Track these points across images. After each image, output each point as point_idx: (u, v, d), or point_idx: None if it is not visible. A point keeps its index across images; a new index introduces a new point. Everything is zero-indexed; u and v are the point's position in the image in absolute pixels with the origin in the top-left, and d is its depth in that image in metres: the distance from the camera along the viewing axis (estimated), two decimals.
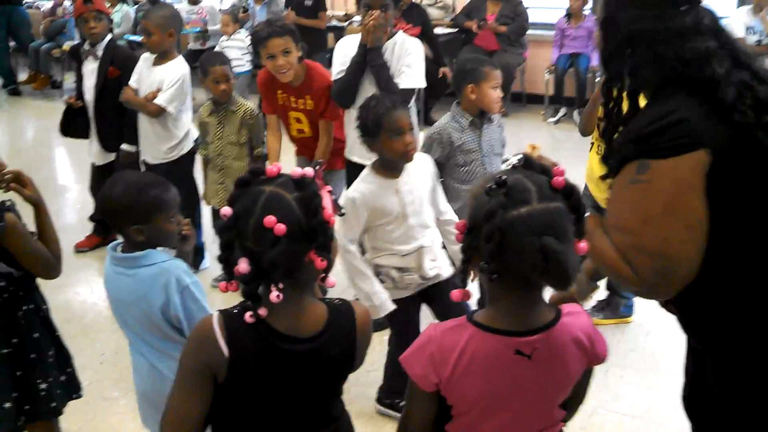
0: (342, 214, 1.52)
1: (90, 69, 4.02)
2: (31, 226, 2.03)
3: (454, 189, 2.96)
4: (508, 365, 1.34)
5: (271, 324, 1.37)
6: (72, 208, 5.02)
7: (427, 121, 5.75)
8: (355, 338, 1.44)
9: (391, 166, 2.48)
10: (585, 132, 3.18)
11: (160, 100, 3.63)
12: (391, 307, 2.50)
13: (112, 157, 4.12)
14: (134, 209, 1.86)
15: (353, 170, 3.37)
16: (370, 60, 3.13)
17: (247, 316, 1.34)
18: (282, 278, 1.32)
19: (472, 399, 1.38)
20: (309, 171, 1.37)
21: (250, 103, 3.65)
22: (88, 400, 2.56)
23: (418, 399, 1.42)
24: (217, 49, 6.46)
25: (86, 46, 4.02)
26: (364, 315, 1.48)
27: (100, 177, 4.26)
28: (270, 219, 1.27)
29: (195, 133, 3.81)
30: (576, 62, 6.78)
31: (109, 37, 4.01)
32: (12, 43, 8.29)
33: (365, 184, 2.49)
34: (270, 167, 1.37)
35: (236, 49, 6.43)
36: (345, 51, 3.24)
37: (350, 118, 3.26)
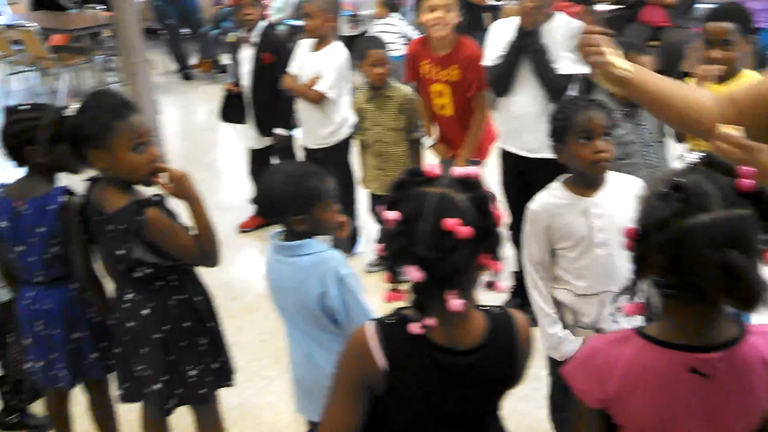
0: None
1: (246, 55, 4.17)
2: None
3: None
4: (681, 384, 1.21)
5: (431, 335, 1.32)
6: (236, 189, 5.27)
7: None
8: (516, 351, 1.36)
9: (583, 180, 2.13)
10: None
11: (320, 86, 3.71)
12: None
13: (267, 141, 4.28)
14: (294, 200, 1.88)
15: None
16: (527, 44, 3.00)
17: (415, 328, 1.28)
18: (458, 285, 1.26)
19: (641, 420, 1.26)
20: (473, 170, 1.32)
21: (407, 88, 3.63)
22: (246, 377, 2.69)
23: (583, 416, 1.32)
24: (370, 33, 6.50)
25: (242, 33, 4.17)
26: (525, 326, 1.40)
27: (256, 161, 4.45)
28: (451, 222, 1.21)
29: (353, 118, 3.85)
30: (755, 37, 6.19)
31: (264, 23, 4.14)
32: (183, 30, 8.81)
33: (549, 196, 2.19)
34: (429, 167, 1.32)
35: (390, 33, 6.44)
36: (500, 35, 3.13)
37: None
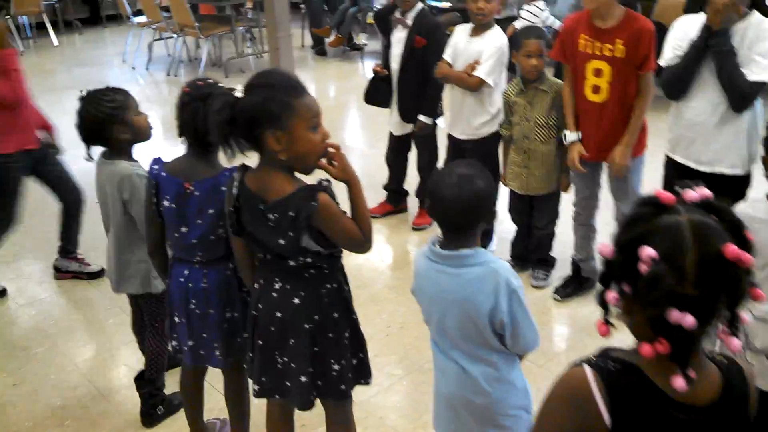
0: None
1: (398, 37, 4.02)
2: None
3: None
4: None
5: (662, 387, 1.13)
6: (365, 173, 5.19)
7: None
8: (749, 410, 1.18)
9: None
10: None
11: (480, 73, 3.52)
12: None
13: (409, 128, 4.15)
14: (486, 206, 1.80)
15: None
16: (713, 45, 2.69)
17: (680, 382, 1.08)
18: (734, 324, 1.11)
19: None
20: (705, 191, 1.13)
21: (561, 82, 3.39)
22: (374, 372, 2.53)
23: None
24: (519, 19, 6.23)
25: (397, 14, 4.04)
26: (753, 382, 1.20)
27: (396, 147, 4.34)
28: (733, 249, 1.04)
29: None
30: None
31: (419, 5, 3.98)
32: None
33: (749, 208, 1.93)
34: (664, 194, 1.12)
35: (530, 21, 6.14)
36: (683, 33, 2.83)
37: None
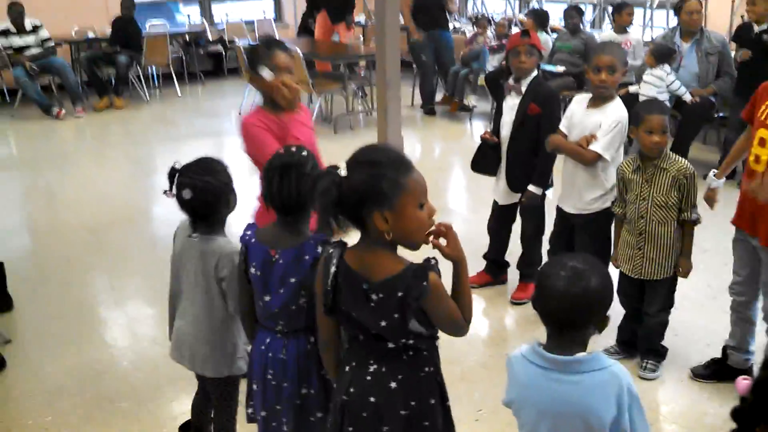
0: None
1: (510, 104, 3.89)
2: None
3: None
4: None
5: None
6: (465, 239, 4.98)
7: None
8: None
9: None
10: None
11: (597, 147, 3.35)
12: None
13: (516, 198, 3.98)
14: (599, 306, 1.67)
15: None
16: None
17: None
18: None
19: None
20: None
21: (684, 161, 3.15)
22: None
23: None
24: (638, 87, 5.98)
25: (511, 81, 3.92)
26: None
27: (500, 216, 4.17)
28: None
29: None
30: None
31: (534, 73, 3.86)
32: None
33: None
34: None
35: (654, 87, 5.88)
36: None
37: None
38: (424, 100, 8.76)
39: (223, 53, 10.79)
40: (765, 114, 2.85)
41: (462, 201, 6.09)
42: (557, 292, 1.61)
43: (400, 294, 1.69)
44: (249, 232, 2.13)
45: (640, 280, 3.27)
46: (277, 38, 3.62)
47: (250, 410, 2.24)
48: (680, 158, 3.16)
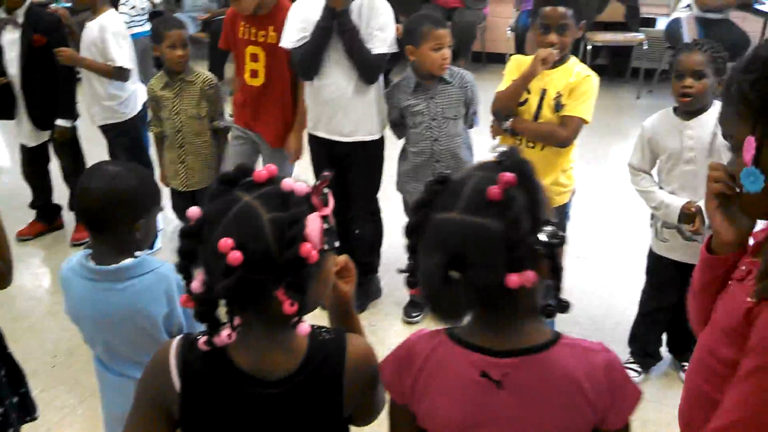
0: (328, 249, 1.12)
1: (9, 39, 3.59)
2: None
3: (406, 151, 3.01)
4: (474, 388, 1.09)
5: (234, 360, 1.13)
6: (7, 193, 4.57)
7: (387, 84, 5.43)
8: (342, 383, 1.16)
9: None
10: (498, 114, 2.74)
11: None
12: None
13: (46, 136, 3.78)
14: (141, 201, 1.66)
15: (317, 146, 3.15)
16: (338, 25, 2.84)
17: (201, 343, 1.10)
18: (240, 311, 1.08)
19: (439, 421, 1.13)
20: (301, 186, 1.08)
21: (208, 72, 3.33)
22: (42, 409, 2.23)
23: (393, 411, 1.22)
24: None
25: (1, 14, 3.60)
26: (360, 353, 1.20)
27: (33, 159, 3.91)
28: (226, 242, 1.00)
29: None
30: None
31: (28, 1, 3.59)
32: None
33: None
34: (260, 171, 1.09)
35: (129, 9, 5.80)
36: (303, 14, 2.91)
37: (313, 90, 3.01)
38: None
39: None
40: (244, 32, 3.10)
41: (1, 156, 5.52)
42: (88, 193, 1.61)
43: None
44: None
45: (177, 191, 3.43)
46: None
47: None
48: (203, 70, 3.32)
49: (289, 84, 3.14)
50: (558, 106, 2.61)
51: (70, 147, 3.81)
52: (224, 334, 1.07)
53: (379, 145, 3.10)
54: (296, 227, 1.03)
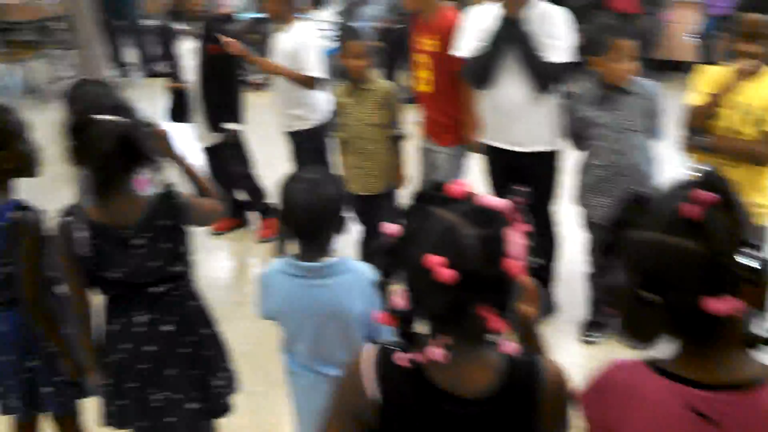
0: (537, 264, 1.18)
1: (189, 48, 3.92)
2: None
3: (588, 164, 2.91)
4: (680, 425, 1.04)
5: (432, 376, 1.14)
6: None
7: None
8: (539, 405, 1.15)
9: None
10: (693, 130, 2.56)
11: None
12: None
13: (219, 138, 4.07)
14: (339, 206, 1.81)
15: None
16: (513, 33, 2.84)
17: (398, 358, 1.13)
18: (446, 330, 1.10)
19: None
20: (499, 201, 1.09)
21: (387, 81, 3.48)
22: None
23: None
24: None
25: (183, 25, 3.94)
26: (557, 376, 1.18)
27: (211, 159, 4.20)
28: (436, 260, 1.02)
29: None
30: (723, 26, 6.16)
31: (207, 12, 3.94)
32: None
33: None
34: (452, 185, 1.11)
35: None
36: (478, 23, 2.96)
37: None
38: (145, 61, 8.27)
39: None
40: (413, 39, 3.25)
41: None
42: (297, 204, 1.74)
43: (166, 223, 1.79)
44: None
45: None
46: None
47: None
48: (383, 80, 3.46)
49: (458, 92, 3.20)
50: (760, 122, 2.46)
51: (238, 148, 4.11)
52: (436, 352, 1.08)
53: (558, 156, 3.07)
54: (502, 244, 1.06)
